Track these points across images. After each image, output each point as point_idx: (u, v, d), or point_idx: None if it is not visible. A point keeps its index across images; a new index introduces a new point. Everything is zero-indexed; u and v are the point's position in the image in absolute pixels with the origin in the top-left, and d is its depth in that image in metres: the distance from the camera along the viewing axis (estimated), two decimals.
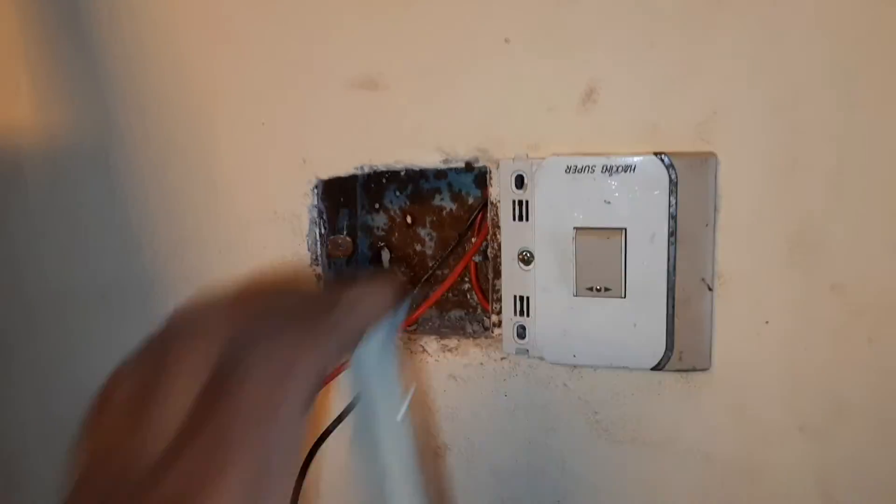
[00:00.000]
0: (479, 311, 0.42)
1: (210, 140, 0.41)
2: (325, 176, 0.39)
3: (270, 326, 0.22)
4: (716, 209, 0.34)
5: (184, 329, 0.22)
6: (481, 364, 0.39)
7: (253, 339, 0.21)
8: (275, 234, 0.40)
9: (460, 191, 0.42)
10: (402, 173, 0.41)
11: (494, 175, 0.36)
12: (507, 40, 0.35)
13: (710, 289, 0.35)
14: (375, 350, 0.25)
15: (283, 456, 0.20)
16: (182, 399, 0.20)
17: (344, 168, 0.38)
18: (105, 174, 0.44)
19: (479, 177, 0.41)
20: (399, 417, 0.24)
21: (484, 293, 0.40)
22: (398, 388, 0.25)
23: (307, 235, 0.40)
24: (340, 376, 0.25)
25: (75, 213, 0.45)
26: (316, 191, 0.39)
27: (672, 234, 0.34)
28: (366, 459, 0.25)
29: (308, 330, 0.22)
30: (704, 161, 0.34)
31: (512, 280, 0.37)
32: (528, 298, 0.37)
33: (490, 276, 0.38)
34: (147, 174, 0.43)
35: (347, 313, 0.23)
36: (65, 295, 0.46)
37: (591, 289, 0.35)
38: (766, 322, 0.35)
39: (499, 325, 0.38)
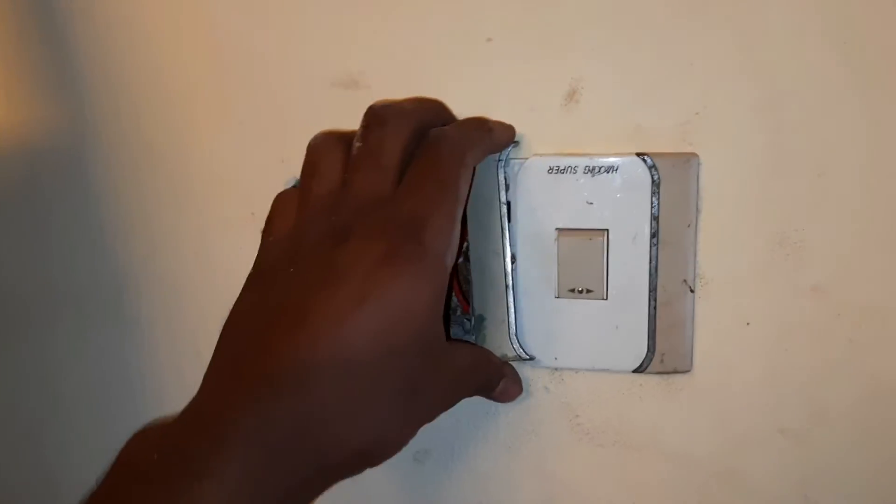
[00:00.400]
0: (458, 313, 0.42)
1: (186, 140, 0.40)
2: None
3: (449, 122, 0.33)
4: (698, 210, 0.34)
5: (384, 110, 0.31)
6: None
7: (438, 126, 0.32)
8: (252, 237, 0.39)
9: None
10: None
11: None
12: (489, 39, 0.35)
13: (691, 290, 0.34)
14: (494, 161, 0.35)
15: (464, 190, 0.30)
16: (395, 156, 0.30)
17: None
18: (79, 174, 0.43)
19: None
20: (503, 202, 0.35)
21: (465, 295, 0.39)
22: (504, 190, 0.35)
23: None
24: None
25: (49, 216, 0.44)
26: None
27: (654, 235, 0.34)
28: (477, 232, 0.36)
29: (473, 132, 0.33)
30: (687, 161, 0.33)
31: None
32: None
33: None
34: (121, 174, 0.42)
35: (496, 130, 0.34)
36: (37, 299, 0.45)
37: (572, 290, 0.35)
38: (748, 324, 0.34)
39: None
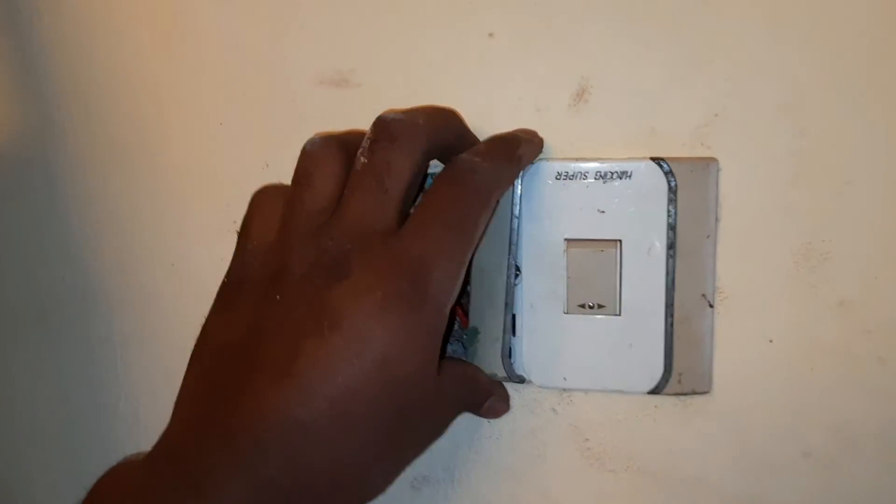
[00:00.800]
0: (457, 327, 0.39)
1: (162, 142, 0.37)
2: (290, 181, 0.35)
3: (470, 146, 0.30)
4: (717, 219, 0.32)
5: (395, 125, 0.28)
6: None
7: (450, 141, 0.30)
8: (234, 247, 0.36)
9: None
10: None
11: None
12: (490, 34, 0.32)
13: (710, 305, 0.32)
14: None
15: (480, 234, 0.28)
16: (402, 180, 0.27)
17: None
18: (44, 180, 0.40)
19: None
20: (516, 216, 0.32)
21: (464, 308, 0.36)
22: (518, 203, 0.33)
23: None
24: None
25: (11, 224, 0.41)
26: None
27: (671, 246, 0.31)
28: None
29: (504, 166, 0.30)
30: (706, 167, 0.31)
31: None
32: (514, 316, 0.34)
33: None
34: (91, 180, 0.39)
35: (525, 156, 0.31)
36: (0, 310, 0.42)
37: (583, 306, 0.32)
38: (770, 341, 0.32)
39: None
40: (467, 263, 0.28)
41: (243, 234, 0.30)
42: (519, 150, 0.31)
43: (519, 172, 0.32)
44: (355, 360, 0.24)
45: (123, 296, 0.39)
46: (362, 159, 0.27)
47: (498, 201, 0.30)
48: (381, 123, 0.28)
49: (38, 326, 0.41)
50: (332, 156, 0.28)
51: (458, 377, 0.31)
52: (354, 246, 0.26)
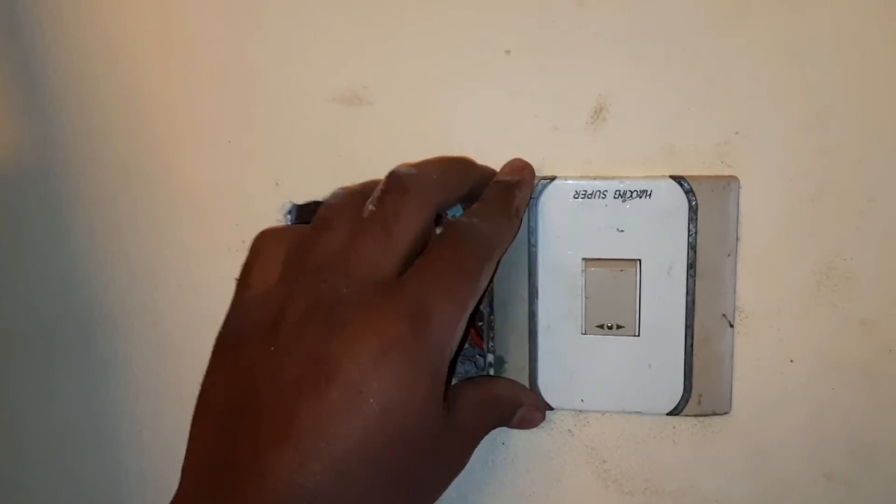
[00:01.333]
0: (468, 345, 0.39)
1: (168, 160, 0.36)
2: (301, 200, 0.35)
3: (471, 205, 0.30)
4: (738, 238, 0.31)
5: (407, 178, 0.28)
6: None
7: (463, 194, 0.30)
8: (241, 266, 0.35)
9: (452, 217, 0.38)
10: None
11: None
12: (507, 52, 0.32)
13: (731, 325, 0.32)
14: None
15: (483, 286, 0.28)
16: (410, 230, 0.27)
17: (322, 191, 0.34)
18: (47, 199, 0.39)
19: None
20: (533, 245, 0.32)
21: (478, 330, 0.36)
22: (535, 232, 0.32)
23: None
24: None
25: (12, 243, 0.40)
26: (290, 216, 0.35)
27: (691, 265, 0.31)
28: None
29: (505, 224, 0.30)
30: (726, 185, 0.31)
31: None
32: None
33: (486, 311, 0.34)
34: (96, 198, 0.38)
35: (521, 206, 0.31)
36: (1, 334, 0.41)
37: (601, 326, 0.32)
38: (791, 361, 0.32)
39: (494, 364, 0.34)
40: (468, 313, 0.27)
41: (242, 281, 0.29)
42: (515, 201, 0.30)
43: (520, 223, 0.31)
44: (354, 417, 0.24)
45: (128, 316, 0.39)
46: (370, 207, 0.27)
47: (500, 258, 0.30)
48: (394, 177, 0.28)
49: (40, 347, 0.40)
50: (353, 206, 0.28)
51: (473, 404, 0.30)
52: (351, 291, 0.25)
